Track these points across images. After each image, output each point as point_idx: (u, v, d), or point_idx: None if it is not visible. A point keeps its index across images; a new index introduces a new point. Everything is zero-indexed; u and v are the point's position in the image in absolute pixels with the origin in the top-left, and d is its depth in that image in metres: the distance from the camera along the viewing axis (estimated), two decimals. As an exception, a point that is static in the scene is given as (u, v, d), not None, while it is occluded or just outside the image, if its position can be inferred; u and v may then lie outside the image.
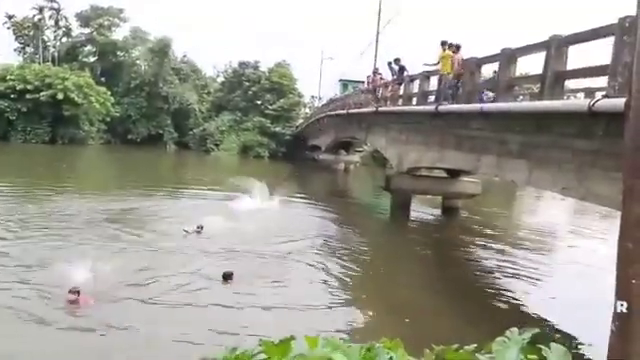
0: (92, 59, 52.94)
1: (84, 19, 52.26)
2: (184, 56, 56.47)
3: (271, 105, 49.49)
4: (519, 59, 10.96)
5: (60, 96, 41.08)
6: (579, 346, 7.34)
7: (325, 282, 10.05)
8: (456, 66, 13.21)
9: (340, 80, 50.69)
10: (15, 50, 53.06)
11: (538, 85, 10.12)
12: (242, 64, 53.31)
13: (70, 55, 51.40)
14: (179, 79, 52.25)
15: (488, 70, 15.92)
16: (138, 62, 52.56)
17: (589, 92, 12.46)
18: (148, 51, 50.71)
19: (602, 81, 9.12)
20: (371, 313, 8.32)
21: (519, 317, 8.80)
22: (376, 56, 35.93)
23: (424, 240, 15.41)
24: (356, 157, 40.94)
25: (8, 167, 27.22)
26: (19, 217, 13.54)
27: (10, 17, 52.11)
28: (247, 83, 51.32)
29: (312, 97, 60.10)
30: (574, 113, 8.04)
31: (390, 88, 20.07)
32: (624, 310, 1.56)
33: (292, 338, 1.43)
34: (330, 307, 8.58)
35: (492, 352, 1.42)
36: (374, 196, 24.99)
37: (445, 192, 18.63)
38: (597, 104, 7.12)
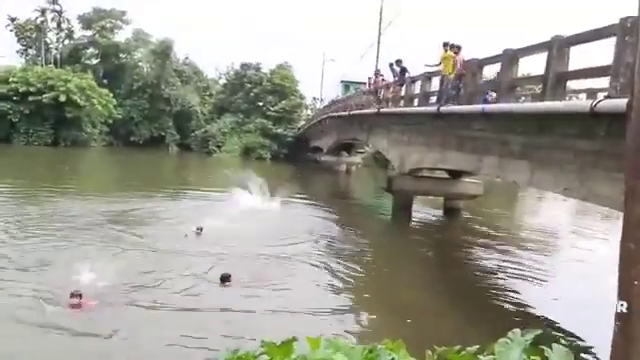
0: (94, 61, 53.10)
1: (86, 21, 52.41)
2: (186, 58, 56.78)
3: (273, 107, 49.53)
4: (521, 60, 10.95)
5: (62, 98, 41.16)
6: (582, 347, 7.33)
7: (326, 283, 10.04)
8: (458, 66, 13.22)
9: (342, 81, 50.67)
10: (17, 52, 53.47)
11: (540, 86, 10.11)
12: (244, 66, 53.41)
13: (72, 57, 51.55)
14: (181, 81, 52.41)
15: (491, 71, 15.93)
16: (140, 64, 52.68)
17: (591, 93, 12.45)
18: (150, 53, 50.84)
19: (604, 82, 9.10)
20: (373, 314, 8.31)
21: (521, 318, 8.79)
22: (378, 57, 35.98)
23: (426, 241, 15.40)
24: (358, 158, 40.97)
25: (10, 169, 27.28)
26: (20, 218, 13.56)
27: (13, 19, 52.33)
28: (249, 85, 51.41)
29: (314, 98, 60.22)
30: (576, 114, 8.03)
31: (392, 89, 20.07)
32: (625, 310, 1.56)
33: (294, 339, 1.43)
34: (331, 308, 8.56)
35: (494, 353, 1.42)
36: (376, 197, 24.99)
37: (447, 193, 18.62)
38: (599, 105, 7.10)
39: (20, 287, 8.31)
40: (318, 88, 62.26)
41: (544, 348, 1.39)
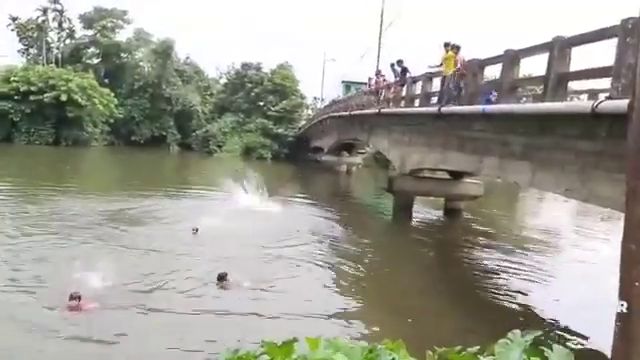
0: (96, 61, 53.11)
1: (87, 21, 52.42)
2: (187, 57, 56.75)
3: (274, 107, 49.52)
4: (522, 60, 10.95)
5: (64, 98, 41.18)
6: (583, 347, 7.32)
7: (327, 282, 10.04)
8: (458, 65, 13.23)
9: (343, 81, 50.66)
10: (19, 52, 53.47)
11: (541, 87, 10.10)
12: (244, 65, 53.41)
13: (74, 57, 51.58)
14: (182, 81, 52.42)
15: (492, 71, 15.90)
16: (141, 64, 52.70)
17: (592, 94, 12.46)
18: (151, 53, 50.85)
19: (605, 83, 9.10)
20: (373, 314, 8.31)
21: (522, 318, 8.79)
22: (379, 57, 35.99)
23: (427, 241, 15.39)
24: (358, 159, 40.96)
25: (12, 168, 27.31)
26: (21, 218, 13.57)
27: (14, 19, 52.36)
28: (250, 85, 51.42)
29: (315, 98, 60.21)
30: (577, 114, 8.03)
31: (393, 89, 20.07)
32: (626, 311, 1.56)
33: (295, 340, 1.43)
34: (331, 308, 8.54)
35: (495, 354, 1.42)
36: (376, 197, 24.99)
37: (447, 194, 18.60)
38: (600, 105, 7.10)
39: (17, 288, 8.28)
40: (319, 88, 62.44)
41: (544, 349, 1.39)
